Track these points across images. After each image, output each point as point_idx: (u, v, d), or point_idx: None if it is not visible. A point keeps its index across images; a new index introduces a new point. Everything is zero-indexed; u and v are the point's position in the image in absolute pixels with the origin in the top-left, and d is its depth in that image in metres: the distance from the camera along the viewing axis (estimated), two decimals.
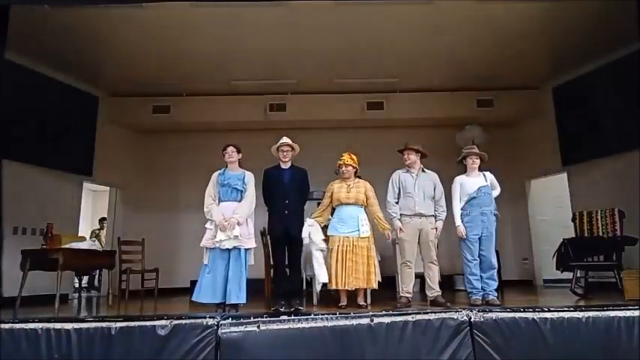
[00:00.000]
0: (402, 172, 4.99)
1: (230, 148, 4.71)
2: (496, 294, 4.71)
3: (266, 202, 4.95)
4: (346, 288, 4.64)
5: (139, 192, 8.90)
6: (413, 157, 4.92)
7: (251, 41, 6.50)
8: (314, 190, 5.51)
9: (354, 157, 4.99)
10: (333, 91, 8.24)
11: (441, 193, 4.93)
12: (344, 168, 4.92)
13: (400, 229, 4.77)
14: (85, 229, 9.01)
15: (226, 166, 4.77)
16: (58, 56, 6.79)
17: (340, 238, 4.74)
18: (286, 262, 4.84)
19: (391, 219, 4.84)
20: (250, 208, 4.62)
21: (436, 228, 4.84)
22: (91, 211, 10.79)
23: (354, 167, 4.93)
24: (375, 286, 4.73)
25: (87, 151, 7.67)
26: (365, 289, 4.84)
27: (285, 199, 4.75)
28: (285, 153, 4.87)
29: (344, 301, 4.69)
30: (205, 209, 4.59)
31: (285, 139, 4.93)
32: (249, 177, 4.72)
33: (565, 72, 7.56)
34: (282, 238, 4.76)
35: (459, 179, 4.97)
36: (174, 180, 8.82)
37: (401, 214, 4.81)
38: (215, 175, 4.74)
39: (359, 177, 5.04)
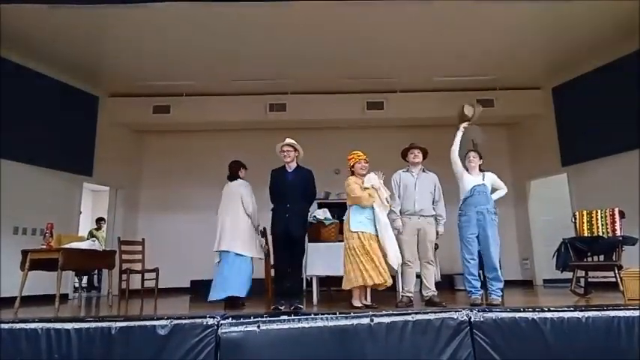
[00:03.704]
0: (403, 172, 5.00)
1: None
2: (500, 293, 4.65)
3: (272, 202, 4.96)
4: (369, 284, 4.44)
5: (139, 192, 8.91)
6: (420, 156, 4.92)
7: (251, 41, 6.50)
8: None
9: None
10: (333, 91, 8.25)
11: (439, 194, 4.92)
12: (363, 163, 4.70)
13: (400, 227, 4.76)
14: (85, 229, 9.02)
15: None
16: (58, 56, 6.80)
17: (361, 235, 4.50)
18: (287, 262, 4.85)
19: (393, 220, 4.80)
20: None
21: (438, 232, 4.82)
22: (91, 211, 10.79)
23: (367, 162, 4.74)
24: (390, 282, 4.53)
25: (87, 151, 7.68)
26: (366, 289, 4.79)
27: (287, 202, 4.73)
28: (286, 153, 4.86)
29: (359, 302, 4.53)
30: None
31: (288, 140, 4.91)
32: None
33: (565, 72, 7.57)
34: (284, 238, 4.74)
35: (464, 173, 4.89)
36: (175, 180, 8.82)
37: (401, 213, 4.81)
38: None
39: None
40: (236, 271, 5.01)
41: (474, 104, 5.16)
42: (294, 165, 4.90)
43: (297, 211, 4.76)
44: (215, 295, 4.98)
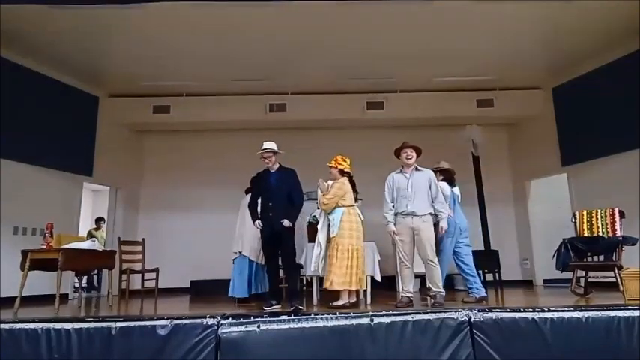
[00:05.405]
0: (396, 173, 4.95)
1: None
2: (477, 291, 5.07)
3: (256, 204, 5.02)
4: (329, 288, 4.69)
5: (139, 192, 8.91)
6: (413, 155, 4.89)
7: (251, 41, 6.50)
8: (312, 191, 5.49)
9: (339, 158, 4.97)
10: (333, 91, 8.24)
11: (437, 190, 4.83)
12: (330, 170, 4.98)
13: (394, 232, 4.77)
14: (85, 229, 9.01)
15: None
16: (58, 56, 6.79)
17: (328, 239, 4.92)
18: (279, 263, 4.92)
19: (386, 223, 4.83)
20: None
21: (442, 227, 4.79)
22: (91, 211, 10.78)
23: (335, 168, 4.94)
24: (354, 287, 4.72)
25: (87, 151, 7.68)
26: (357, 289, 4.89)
27: (270, 202, 4.78)
28: (267, 160, 4.87)
29: (342, 300, 4.67)
30: None
31: (266, 145, 4.88)
32: None
33: (565, 72, 7.57)
34: (270, 239, 4.78)
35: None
36: (175, 180, 8.82)
37: (396, 214, 4.81)
38: None
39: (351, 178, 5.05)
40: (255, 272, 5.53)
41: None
42: (276, 166, 4.93)
43: (282, 212, 4.75)
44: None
